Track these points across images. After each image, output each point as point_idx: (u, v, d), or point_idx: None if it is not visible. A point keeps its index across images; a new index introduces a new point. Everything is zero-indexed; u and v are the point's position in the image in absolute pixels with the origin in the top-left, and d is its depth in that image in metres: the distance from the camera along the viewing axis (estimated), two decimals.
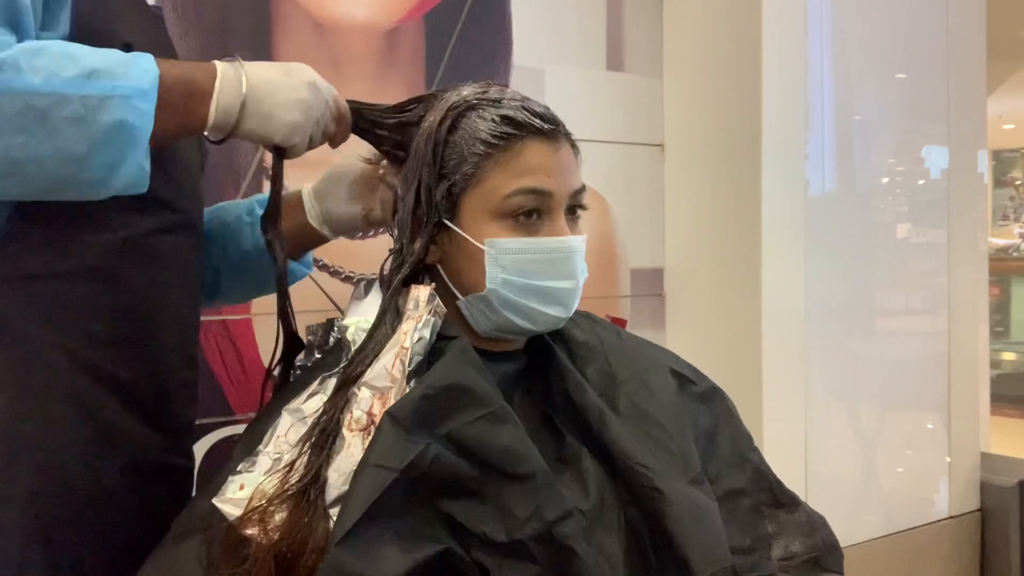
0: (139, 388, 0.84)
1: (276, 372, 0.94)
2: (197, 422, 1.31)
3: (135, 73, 0.73)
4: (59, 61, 0.70)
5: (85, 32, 0.78)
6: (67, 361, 0.79)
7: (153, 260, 0.86)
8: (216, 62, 0.81)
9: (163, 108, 0.75)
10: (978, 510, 1.99)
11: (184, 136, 0.85)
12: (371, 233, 1.09)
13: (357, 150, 0.98)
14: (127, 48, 0.77)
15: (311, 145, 0.89)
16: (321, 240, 1.05)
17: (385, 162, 0.98)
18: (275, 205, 0.93)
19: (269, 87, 0.82)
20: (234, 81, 0.80)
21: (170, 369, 0.88)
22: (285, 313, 0.92)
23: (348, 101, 0.93)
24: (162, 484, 0.87)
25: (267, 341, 1.36)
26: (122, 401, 0.83)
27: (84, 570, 0.81)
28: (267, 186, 1.38)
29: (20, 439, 0.78)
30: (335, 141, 0.93)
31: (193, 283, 0.94)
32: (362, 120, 0.94)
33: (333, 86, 0.90)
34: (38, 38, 0.75)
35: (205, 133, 0.83)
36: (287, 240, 0.94)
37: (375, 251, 1.30)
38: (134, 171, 0.74)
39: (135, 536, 0.82)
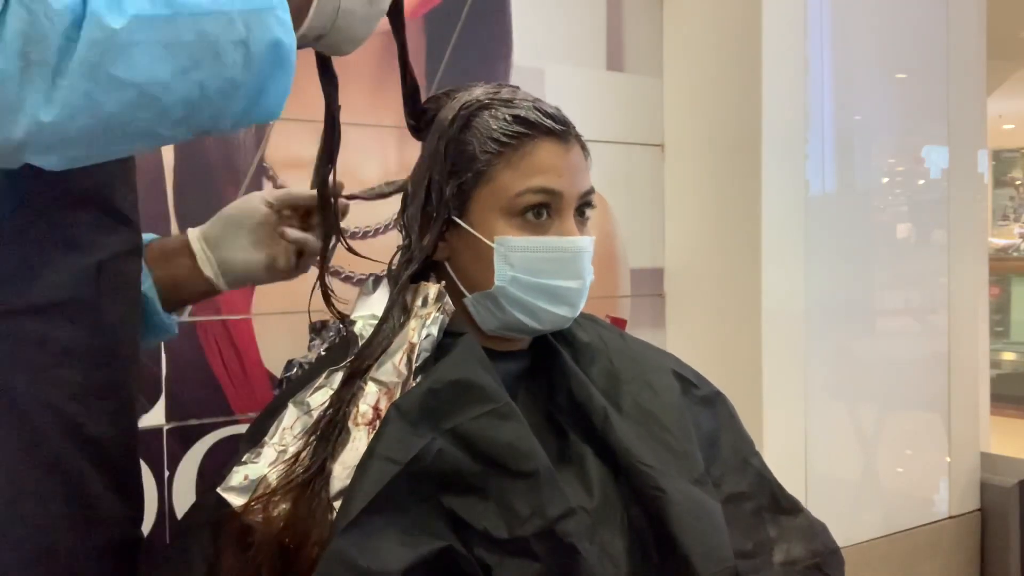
0: (112, 448, 0.73)
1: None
2: (197, 422, 1.32)
3: None
4: None
5: None
6: (52, 420, 0.67)
7: (123, 288, 0.74)
8: None
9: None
10: (978, 510, 1.99)
11: None
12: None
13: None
14: None
15: None
16: (209, 293, 0.95)
17: (288, 212, 0.93)
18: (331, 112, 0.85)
19: (350, 20, 0.72)
20: (328, 9, 0.70)
21: (136, 421, 0.79)
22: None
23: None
24: (129, 561, 0.77)
25: (267, 341, 1.37)
26: (99, 468, 0.71)
27: None
28: (268, 185, 1.38)
29: (12, 519, 0.66)
30: None
31: (139, 312, 0.82)
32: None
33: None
34: None
35: None
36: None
37: (376, 251, 1.29)
38: (280, 96, 0.64)
39: None
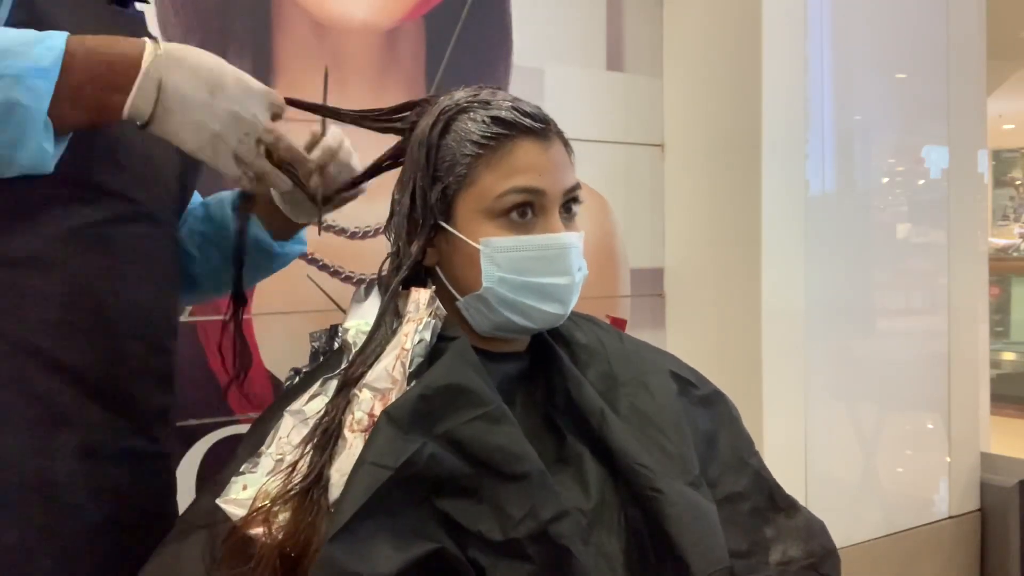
0: (94, 373, 0.84)
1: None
2: (197, 422, 1.32)
3: (37, 52, 0.72)
4: None
5: (20, 22, 0.77)
6: (11, 348, 0.80)
7: (105, 249, 0.85)
8: (145, 52, 0.77)
9: (70, 88, 0.74)
10: (978, 510, 1.99)
11: (103, 123, 0.81)
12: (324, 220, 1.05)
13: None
14: None
15: (247, 159, 0.85)
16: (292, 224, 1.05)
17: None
18: (240, 244, 0.97)
19: (183, 104, 0.78)
20: (150, 88, 0.77)
21: (130, 355, 0.88)
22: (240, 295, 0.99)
23: (346, 112, 0.93)
24: (123, 468, 0.87)
25: (267, 341, 1.37)
26: (74, 386, 0.82)
27: (35, 554, 0.80)
28: None
29: None
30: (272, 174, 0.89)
31: (159, 272, 0.94)
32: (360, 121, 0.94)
33: (276, 97, 0.86)
34: None
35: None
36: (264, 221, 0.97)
37: (376, 251, 1.30)
38: (35, 150, 0.73)
39: (92, 521, 0.83)
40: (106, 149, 0.85)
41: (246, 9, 1.37)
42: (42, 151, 0.74)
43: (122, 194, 0.86)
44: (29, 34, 0.73)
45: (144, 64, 0.76)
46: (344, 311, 0.96)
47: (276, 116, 0.86)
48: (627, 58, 1.80)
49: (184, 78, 0.78)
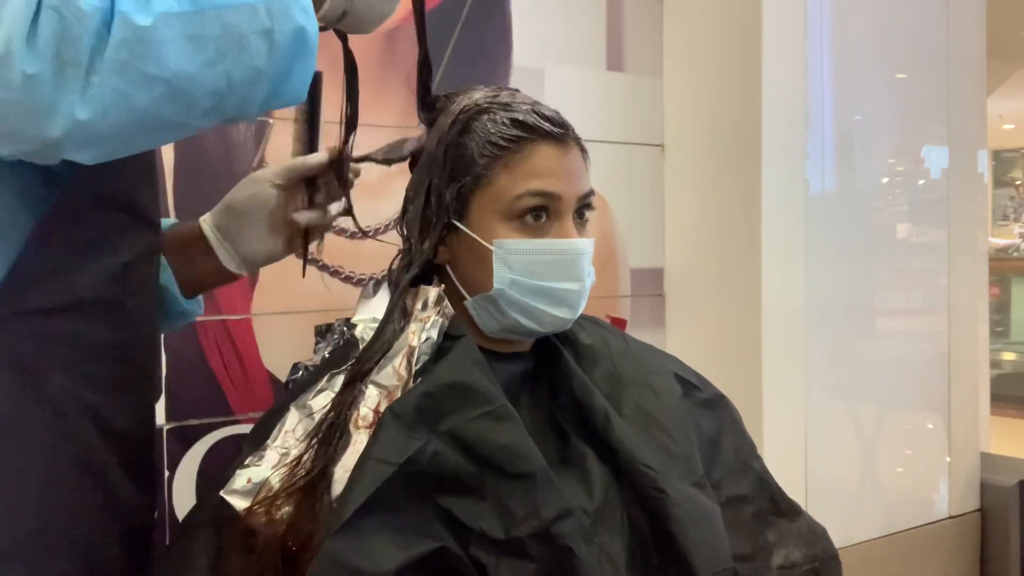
0: (132, 440, 0.75)
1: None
2: (197, 422, 1.32)
3: None
4: None
5: None
6: (79, 413, 0.69)
7: (144, 287, 0.77)
8: None
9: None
10: (978, 510, 1.99)
11: None
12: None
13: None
14: None
15: None
16: (232, 279, 0.95)
17: (302, 196, 0.94)
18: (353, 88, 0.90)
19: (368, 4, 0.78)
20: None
21: (152, 405, 0.81)
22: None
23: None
24: (146, 549, 0.80)
25: (267, 341, 1.37)
26: (120, 459, 0.73)
27: None
28: None
29: (34, 505, 0.68)
30: None
31: (157, 309, 0.84)
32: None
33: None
34: None
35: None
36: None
37: (376, 251, 1.30)
38: (304, 81, 0.66)
39: None
40: (145, 171, 0.77)
41: None
42: (309, 75, 0.67)
43: (155, 222, 0.78)
44: None
45: None
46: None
47: None
48: (627, 58, 1.80)
49: None
